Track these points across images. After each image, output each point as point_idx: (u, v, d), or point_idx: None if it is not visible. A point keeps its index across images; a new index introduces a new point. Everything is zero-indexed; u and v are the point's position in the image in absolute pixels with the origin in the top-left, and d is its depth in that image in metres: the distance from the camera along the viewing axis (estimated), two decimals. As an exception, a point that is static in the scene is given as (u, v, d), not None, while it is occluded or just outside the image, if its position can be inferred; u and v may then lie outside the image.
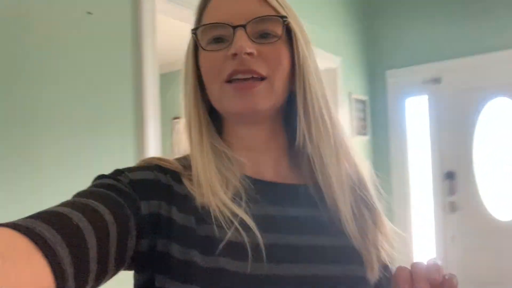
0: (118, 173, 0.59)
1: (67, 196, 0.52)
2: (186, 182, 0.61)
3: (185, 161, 0.65)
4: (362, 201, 0.65)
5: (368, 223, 0.64)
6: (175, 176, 0.62)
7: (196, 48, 0.66)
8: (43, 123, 1.23)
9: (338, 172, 0.64)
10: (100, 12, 1.34)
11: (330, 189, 0.63)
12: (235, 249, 0.56)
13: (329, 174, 0.63)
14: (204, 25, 0.64)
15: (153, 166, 0.62)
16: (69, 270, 0.42)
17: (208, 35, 0.63)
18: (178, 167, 0.63)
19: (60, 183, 1.24)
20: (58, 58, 1.28)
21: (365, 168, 0.68)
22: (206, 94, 0.66)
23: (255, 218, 0.58)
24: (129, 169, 0.60)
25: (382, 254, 0.64)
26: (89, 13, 1.31)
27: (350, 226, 0.62)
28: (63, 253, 0.42)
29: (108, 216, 0.50)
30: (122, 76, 1.42)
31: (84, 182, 0.57)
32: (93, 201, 0.51)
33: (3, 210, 1.11)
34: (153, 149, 1.49)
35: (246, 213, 0.59)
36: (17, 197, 1.16)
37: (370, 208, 0.65)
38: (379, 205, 0.66)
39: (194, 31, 0.65)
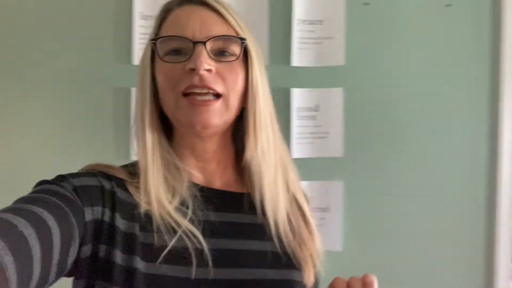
0: (60, 178, 0.59)
1: None
2: (131, 189, 0.63)
3: (132, 168, 0.66)
4: (298, 213, 0.71)
5: (304, 234, 0.70)
6: (120, 183, 0.63)
7: (153, 57, 0.67)
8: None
9: (277, 184, 0.69)
10: (458, 4, 1.31)
11: (270, 199, 0.68)
12: (179, 256, 0.59)
13: (269, 186, 0.68)
14: (165, 36, 0.66)
15: (98, 173, 0.63)
16: (13, 277, 0.42)
17: (167, 46, 0.65)
18: (123, 174, 0.65)
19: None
20: (414, 52, 1.31)
21: (300, 184, 0.75)
22: (158, 102, 0.67)
23: (201, 224, 0.63)
24: (72, 175, 0.61)
25: (316, 263, 0.70)
26: (448, 5, 1.30)
27: (288, 234, 0.68)
28: (7, 260, 0.42)
29: (52, 223, 0.50)
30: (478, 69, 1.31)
31: None
32: (36, 207, 0.50)
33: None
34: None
35: (192, 220, 0.62)
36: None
37: (306, 220, 0.72)
38: (312, 219, 0.73)
39: (154, 41, 0.66)
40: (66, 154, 1.23)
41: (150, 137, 0.66)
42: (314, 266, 0.70)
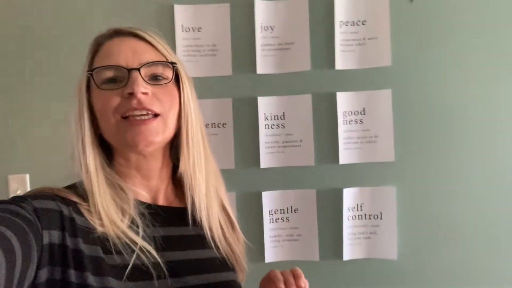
0: (20, 199, 0.60)
1: None
2: (85, 213, 0.66)
3: (80, 190, 0.68)
4: (228, 221, 0.81)
5: (233, 239, 0.80)
6: (75, 207, 0.65)
7: (88, 86, 0.72)
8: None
9: (209, 195, 0.77)
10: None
11: (205, 211, 0.75)
12: (140, 272, 0.64)
13: (203, 199, 0.76)
14: (101, 67, 0.70)
15: (55, 196, 0.65)
16: None
17: (103, 76, 0.70)
18: (76, 197, 0.67)
19: None
20: (464, 49, 1.24)
21: (226, 195, 0.84)
22: (96, 128, 0.71)
23: (152, 240, 0.68)
24: (31, 197, 0.62)
25: (244, 264, 0.81)
26: (501, -4, 1.23)
27: (221, 240, 0.77)
28: None
29: (15, 242, 0.51)
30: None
31: None
32: (1, 226, 0.51)
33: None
34: None
35: (144, 237, 0.67)
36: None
37: (234, 226, 0.82)
38: (237, 225, 0.82)
39: (91, 72, 0.70)
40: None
41: (92, 162, 0.70)
42: (243, 266, 0.81)
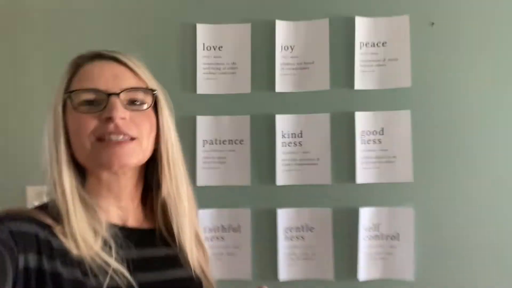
0: None
1: None
2: (60, 236, 0.65)
3: (53, 212, 0.67)
4: (198, 243, 0.82)
5: (203, 260, 0.81)
6: (51, 230, 0.65)
7: (64, 106, 0.71)
8: None
9: (186, 218, 0.78)
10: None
11: (180, 232, 0.77)
12: None
13: (181, 220, 0.77)
14: (82, 90, 0.70)
15: (31, 219, 0.64)
16: None
17: (80, 98, 0.70)
18: (50, 220, 0.66)
19: None
20: (484, 71, 1.24)
21: (197, 215, 0.84)
22: (70, 148, 0.71)
23: (125, 262, 0.67)
24: (7, 219, 0.62)
25: (212, 282, 0.81)
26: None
27: (194, 261, 0.78)
28: None
29: None
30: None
31: None
32: None
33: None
34: None
35: (117, 259, 0.67)
36: None
37: (203, 249, 0.83)
38: (205, 244, 0.84)
39: (69, 93, 0.70)
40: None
41: (68, 184, 0.69)
42: (213, 285, 0.82)
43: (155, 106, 0.75)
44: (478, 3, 1.27)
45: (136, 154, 0.71)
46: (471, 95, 1.25)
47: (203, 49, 1.30)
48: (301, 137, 1.28)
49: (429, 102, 1.26)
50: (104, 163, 0.69)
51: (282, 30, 1.29)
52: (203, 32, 1.30)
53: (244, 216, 1.26)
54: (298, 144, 1.27)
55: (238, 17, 1.31)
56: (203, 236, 0.84)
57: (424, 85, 1.26)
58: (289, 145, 1.27)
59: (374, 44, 1.28)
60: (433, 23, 1.27)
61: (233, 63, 1.30)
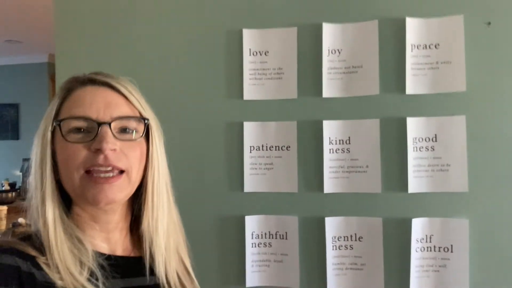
0: None
1: None
2: (44, 267, 0.64)
3: (36, 242, 0.66)
4: (185, 272, 0.81)
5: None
6: (34, 262, 0.64)
7: (53, 132, 0.70)
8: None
9: (169, 251, 0.77)
10: None
11: (163, 265, 0.76)
12: None
13: (162, 253, 0.76)
14: (71, 118, 0.68)
15: (12, 250, 0.63)
16: None
17: (70, 125, 0.68)
18: (33, 251, 0.65)
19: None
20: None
21: (183, 243, 0.83)
22: (56, 175, 0.69)
23: None
24: None
25: None
26: None
27: None
28: None
29: None
30: None
31: None
32: None
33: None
34: None
35: None
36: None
37: (191, 277, 0.82)
38: (192, 273, 0.83)
39: (59, 122, 0.68)
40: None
41: (51, 214, 0.68)
42: None
43: (147, 134, 0.74)
44: (539, 1, 1.19)
45: (124, 189, 0.70)
46: (531, 99, 1.18)
47: (249, 55, 1.29)
48: (349, 143, 1.24)
49: (485, 107, 1.20)
50: (90, 200, 0.68)
51: (329, 33, 1.26)
52: (249, 37, 1.29)
53: (291, 223, 1.24)
54: (346, 151, 1.24)
55: (284, 21, 1.29)
56: (189, 266, 0.84)
57: (480, 89, 1.20)
58: (336, 152, 1.25)
59: (426, 46, 1.23)
60: (489, 23, 1.20)
61: (280, 68, 1.29)
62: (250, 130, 1.27)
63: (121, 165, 0.69)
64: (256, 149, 1.27)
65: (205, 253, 1.26)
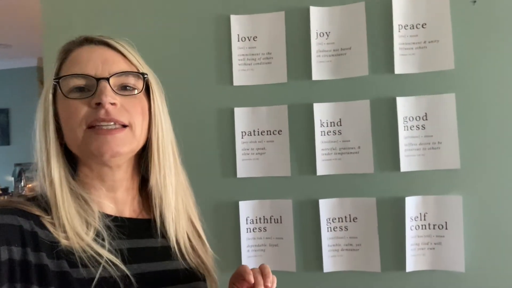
0: None
1: None
2: (49, 226, 0.64)
3: (42, 203, 0.66)
4: (195, 233, 0.81)
5: (201, 250, 0.80)
6: (38, 221, 0.63)
7: (54, 94, 0.70)
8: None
9: (178, 210, 0.77)
10: None
11: (173, 224, 0.76)
12: (107, 285, 0.64)
13: (172, 212, 0.76)
14: (69, 75, 0.68)
15: (14, 210, 0.62)
16: None
17: (70, 84, 0.68)
18: (38, 210, 0.65)
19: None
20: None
21: (193, 205, 0.83)
22: (60, 137, 0.70)
23: (119, 252, 0.67)
24: None
25: (214, 273, 0.81)
26: None
27: (189, 252, 0.77)
28: None
29: None
30: None
31: None
32: None
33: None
34: None
35: (110, 250, 0.66)
36: None
37: (202, 239, 0.82)
38: (204, 236, 0.83)
39: (57, 80, 0.68)
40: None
41: (57, 174, 0.67)
42: (214, 276, 0.81)
43: (147, 91, 0.74)
44: (524, -23, 1.20)
45: (129, 142, 0.69)
46: (520, 74, 1.19)
47: (238, 40, 1.29)
48: (340, 125, 1.24)
49: (474, 84, 1.20)
50: (94, 152, 0.67)
51: (317, 16, 1.26)
52: (237, 23, 1.29)
53: (285, 207, 1.24)
54: (337, 132, 1.24)
55: (271, 6, 1.28)
56: (199, 227, 0.83)
57: (468, 67, 1.20)
58: (328, 134, 1.25)
59: (413, 26, 1.24)
60: (475, 1, 1.21)
61: (268, 53, 1.28)
62: (241, 116, 1.27)
63: (123, 119, 0.69)
64: (248, 135, 1.27)
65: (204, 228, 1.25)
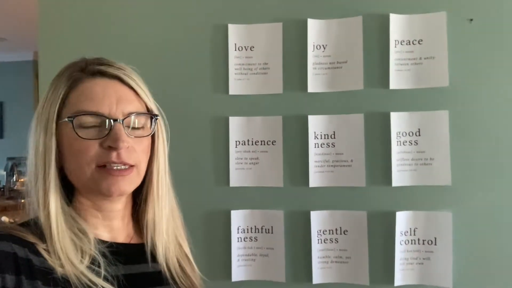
0: None
1: None
2: (44, 254, 0.63)
3: (36, 229, 0.66)
4: (185, 257, 0.83)
5: (191, 273, 0.82)
6: (32, 248, 0.63)
7: (57, 122, 0.68)
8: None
9: (168, 234, 0.79)
10: None
11: (162, 249, 0.77)
12: None
13: (162, 237, 0.77)
14: (84, 114, 0.67)
15: (9, 237, 0.62)
16: None
17: (82, 120, 0.67)
18: (33, 237, 0.64)
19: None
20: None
21: (181, 228, 0.84)
22: (59, 165, 0.69)
23: (115, 279, 0.67)
24: None
25: None
26: None
27: (180, 276, 0.79)
28: None
29: None
30: None
31: None
32: None
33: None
34: None
35: (106, 278, 0.66)
36: None
37: (190, 262, 0.84)
38: (191, 257, 0.84)
39: (71, 118, 0.67)
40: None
41: (54, 205, 0.67)
42: None
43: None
44: (519, -2, 1.21)
45: (135, 181, 0.73)
46: (512, 94, 1.20)
47: (235, 50, 1.29)
48: (334, 138, 1.25)
49: (468, 102, 1.21)
50: (104, 191, 0.69)
51: (314, 28, 1.26)
52: (234, 32, 1.29)
53: (277, 217, 1.25)
54: (331, 145, 1.25)
55: (269, 16, 1.29)
56: (188, 250, 0.85)
57: (463, 84, 1.22)
58: (321, 146, 1.25)
59: (409, 42, 1.25)
60: (471, 20, 1.22)
61: (265, 63, 1.29)
62: (236, 125, 1.27)
63: (132, 161, 0.70)
64: (242, 144, 1.27)
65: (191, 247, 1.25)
